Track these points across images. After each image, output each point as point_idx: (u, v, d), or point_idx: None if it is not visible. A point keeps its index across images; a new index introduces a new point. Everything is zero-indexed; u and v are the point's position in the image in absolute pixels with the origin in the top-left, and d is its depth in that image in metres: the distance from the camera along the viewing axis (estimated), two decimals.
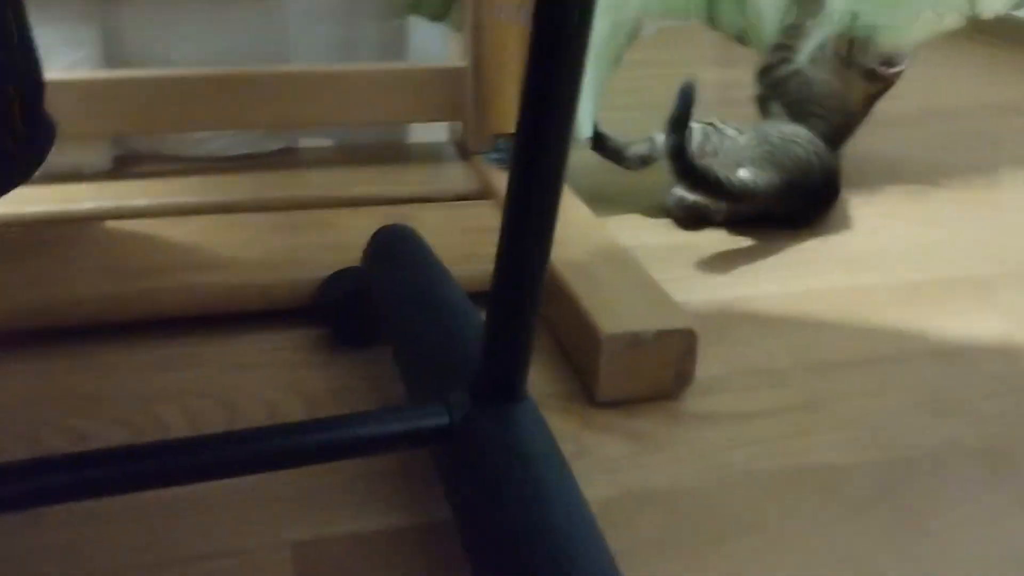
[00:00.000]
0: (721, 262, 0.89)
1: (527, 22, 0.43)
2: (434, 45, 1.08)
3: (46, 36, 0.95)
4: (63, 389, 0.67)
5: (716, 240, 0.93)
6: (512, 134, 0.90)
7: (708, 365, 0.70)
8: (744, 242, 0.93)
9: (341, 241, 0.80)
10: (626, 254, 0.77)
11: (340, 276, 0.73)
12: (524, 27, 0.91)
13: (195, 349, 0.72)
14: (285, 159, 1.07)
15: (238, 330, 0.74)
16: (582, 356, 0.68)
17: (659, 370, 0.66)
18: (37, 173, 0.95)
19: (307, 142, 1.11)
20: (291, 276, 0.76)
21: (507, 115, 0.95)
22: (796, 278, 0.86)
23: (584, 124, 1.01)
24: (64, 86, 0.94)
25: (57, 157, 0.98)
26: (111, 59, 0.99)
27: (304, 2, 1.03)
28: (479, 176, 0.98)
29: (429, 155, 1.09)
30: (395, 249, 0.71)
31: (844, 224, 0.99)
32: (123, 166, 1.02)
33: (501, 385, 0.50)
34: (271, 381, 0.68)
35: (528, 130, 0.45)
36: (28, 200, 0.88)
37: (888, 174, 1.13)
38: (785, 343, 0.75)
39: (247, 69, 0.99)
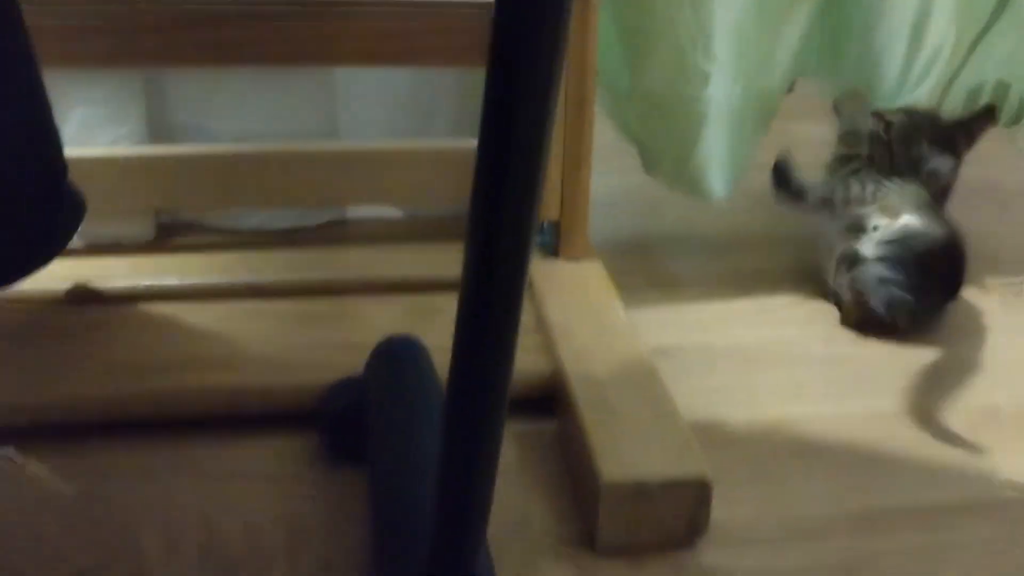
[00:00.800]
0: (768, 365, 0.81)
1: None
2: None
3: (90, 113, 0.98)
4: (44, 496, 0.65)
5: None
6: (555, 220, 0.85)
7: (735, 507, 0.63)
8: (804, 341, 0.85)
9: (358, 340, 0.75)
10: (651, 374, 0.70)
11: (341, 387, 0.69)
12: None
13: (189, 453, 0.69)
14: (331, 232, 1.04)
15: (237, 434, 0.71)
16: (584, 496, 0.62)
17: (667, 520, 0.59)
18: (78, 243, 0.96)
19: (357, 213, 1.08)
20: (295, 380, 0.72)
21: (550, 202, 0.89)
22: (856, 396, 0.77)
23: (719, 182, 0.98)
24: (107, 162, 0.94)
25: (99, 228, 1.01)
26: (156, 133, 0.98)
27: (352, 77, 1.00)
28: None
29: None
30: (393, 369, 0.66)
31: (925, 325, 0.88)
32: (165, 236, 1.01)
33: (452, 565, 0.44)
34: (258, 500, 0.64)
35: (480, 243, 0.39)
36: (58, 275, 0.88)
37: (986, 262, 1.02)
38: (833, 483, 0.66)
39: (291, 146, 0.97)
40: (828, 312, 0.90)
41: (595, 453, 0.60)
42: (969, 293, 0.95)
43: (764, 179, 1.25)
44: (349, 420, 0.67)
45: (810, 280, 0.96)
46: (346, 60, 0.95)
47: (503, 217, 0.40)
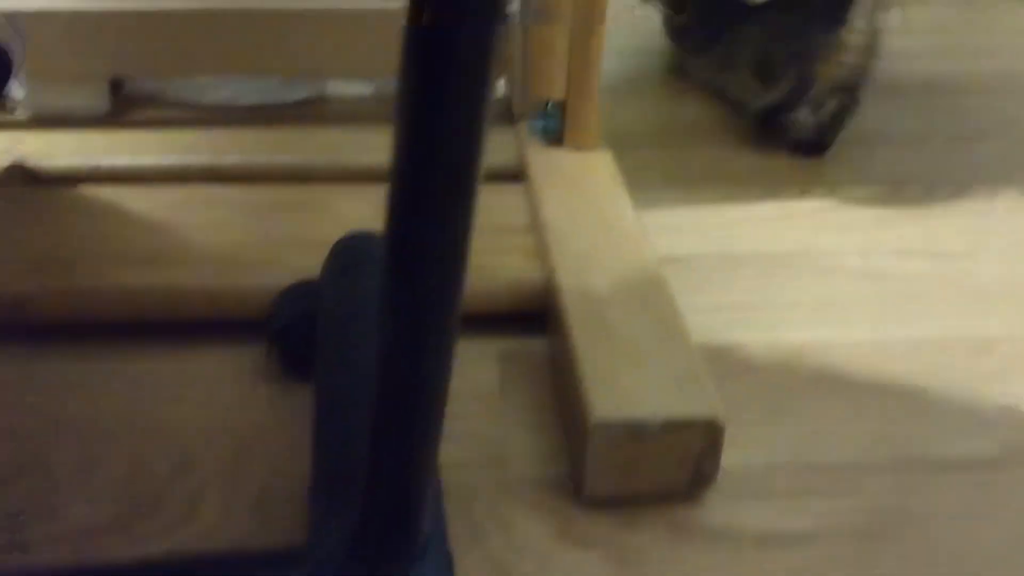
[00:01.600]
0: (794, 278, 0.70)
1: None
2: None
3: None
4: None
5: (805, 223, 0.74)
6: (561, 101, 0.73)
7: (747, 451, 0.53)
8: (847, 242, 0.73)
9: (324, 234, 0.65)
10: (659, 288, 0.59)
11: (294, 292, 0.59)
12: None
13: (120, 361, 0.60)
14: (306, 111, 0.92)
15: (176, 341, 0.61)
16: (571, 434, 0.53)
17: (669, 467, 0.49)
18: (26, 116, 0.85)
19: (337, 89, 0.96)
20: (245, 282, 0.62)
21: (556, 78, 0.77)
22: (896, 318, 0.67)
23: None
24: (51, 17, 0.82)
25: (47, 97, 0.90)
26: None
27: None
28: (517, 149, 0.81)
29: None
30: (350, 271, 0.56)
31: (974, 240, 0.77)
32: (122, 111, 0.90)
33: (384, 541, 0.35)
34: (194, 417, 0.56)
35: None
36: None
37: None
38: (861, 424, 0.57)
39: (262, 3, 0.85)
40: (868, 217, 0.79)
41: (586, 384, 0.50)
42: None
43: None
44: (301, 330, 0.58)
45: (852, 180, 0.84)
46: None
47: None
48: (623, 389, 0.50)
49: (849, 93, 0.84)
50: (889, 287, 0.70)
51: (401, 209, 0.34)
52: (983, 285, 0.71)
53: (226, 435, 0.54)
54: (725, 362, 0.61)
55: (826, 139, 0.86)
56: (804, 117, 0.85)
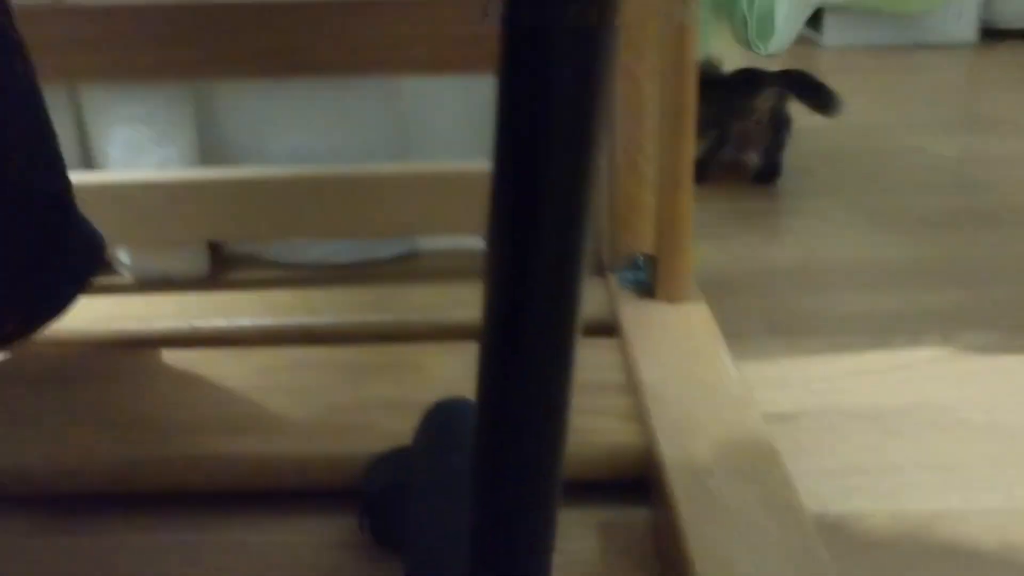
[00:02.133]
0: (915, 438, 0.65)
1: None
2: None
3: (135, 133, 0.90)
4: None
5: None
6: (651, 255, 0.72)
7: None
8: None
9: (417, 397, 0.63)
10: (769, 455, 0.56)
11: (386, 460, 0.58)
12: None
13: (210, 534, 0.59)
14: (400, 267, 0.94)
15: (267, 511, 0.60)
16: None
17: None
18: (127, 277, 0.87)
19: (430, 244, 0.97)
20: (336, 450, 0.61)
21: (644, 231, 0.76)
22: None
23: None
24: (153, 187, 0.85)
25: (147, 261, 0.93)
26: (207, 155, 0.89)
27: (423, 89, 0.89)
28: (609, 301, 0.79)
29: None
30: (443, 439, 0.54)
31: None
32: (220, 271, 0.92)
33: None
34: None
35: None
36: (98, 313, 0.79)
37: None
38: None
39: (354, 168, 0.87)
40: (987, 369, 0.74)
41: (693, 561, 0.46)
42: None
43: (908, 201, 1.10)
44: (392, 501, 0.55)
45: (967, 326, 0.80)
46: (415, 68, 0.84)
47: (527, 261, 0.28)
48: (734, 567, 0.46)
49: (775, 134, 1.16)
50: (1019, 446, 0.65)
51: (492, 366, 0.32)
52: None
53: None
54: (845, 536, 0.56)
55: (776, 167, 1.16)
56: (752, 158, 1.18)
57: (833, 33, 2.01)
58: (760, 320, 0.84)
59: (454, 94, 0.89)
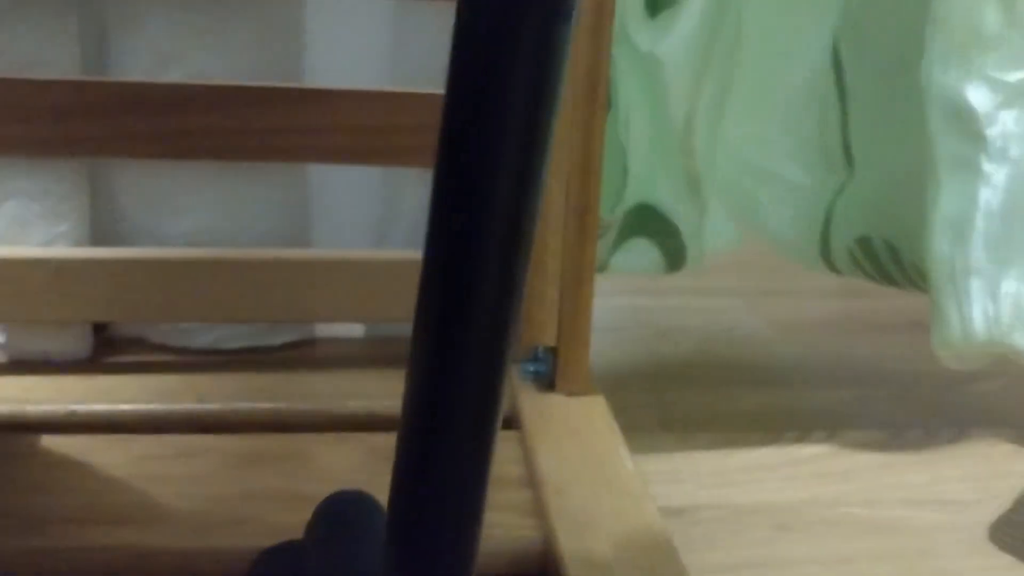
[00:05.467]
0: (803, 533, 0.66)
1: None
2: None
3: (24, 208, 0.86)
4: None
5: None
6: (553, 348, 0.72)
7: None
8: None
9: (308, 489, 0.61)
10: (667, 550, 0.56)
11: (275, 554, 0.55)
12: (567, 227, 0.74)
13: None
14: (294, 354, 0.91)
15: None
16: None
17: None
18: (5, 359, 0.82)
19: (325, 331, 0.95)
20: (219, 544, 0.58)
21: (547, 325, 0.77)
22: (920, 572, 0.63)
23: None
24: (38, 264, 0.81)
25: (26, 341, 0.89)
26: (100, 235, 0.86)
27: (329, 176, 0.89)
28: (509, 394, 0.79)
29: None
30: (336, 535, 0.52)
31: (981, 488, 0.74)
32: (103, 354, 0.88)
33: None
34: None
35: None
36: None
37: None
38: None
39: (250, 252, 0.85)
40: (874, 464, 0.77)
41: None
42: None
43: (788, 305, 1.14)
44: None
45: (851, 424, 0.83)
46: (321, 156, 0.84)
47: (457, 354, 0.28)
48: None
49: None
50: (898, 541, 0.67)
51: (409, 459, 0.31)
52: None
53: None
54: None
55: None
56: None
57: None
58: (653, 417, 0.85)
59: (358, 182, 0.89)
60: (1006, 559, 0.64)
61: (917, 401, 0.89)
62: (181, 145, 0.83)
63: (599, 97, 0.69)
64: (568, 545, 0.55)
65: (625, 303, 1.08)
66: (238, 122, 0.83)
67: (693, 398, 0.89)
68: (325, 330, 0.95)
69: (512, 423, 0.76)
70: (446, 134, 0.27)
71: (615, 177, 0.85)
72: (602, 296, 0.99)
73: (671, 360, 0.94)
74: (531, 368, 0.81)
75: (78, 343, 0.87)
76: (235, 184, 0.87)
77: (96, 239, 0.86)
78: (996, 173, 0.69)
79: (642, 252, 0.89)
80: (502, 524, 0.61)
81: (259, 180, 0.87)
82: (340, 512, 0.54)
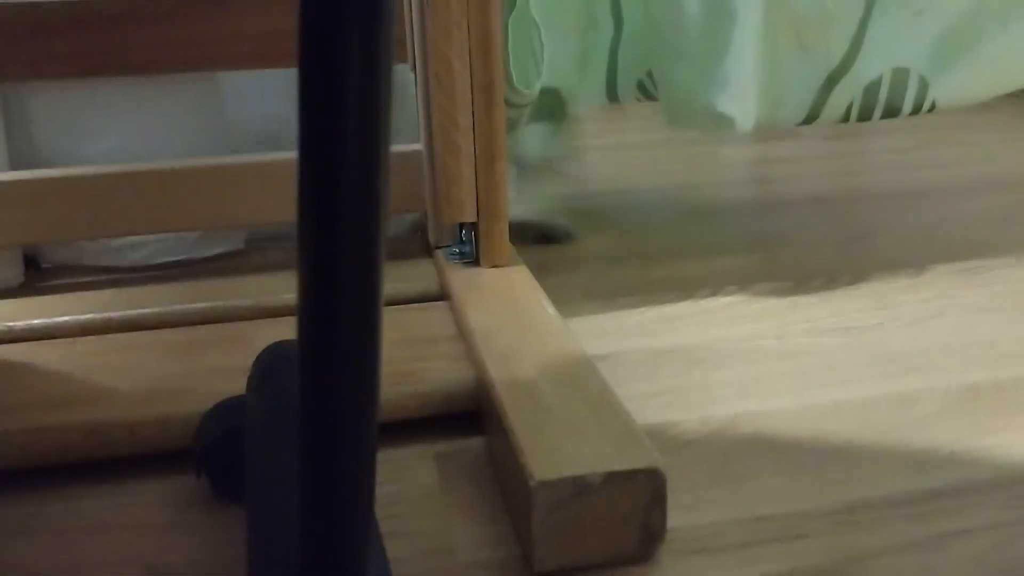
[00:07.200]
0: (717, 363, 0.72)
1: None
2: (397, 127, 0.95)
3: None
4: None
5: (713, 323, 0.76)
6: (473, 223, 0.76)
7: (696, 513, 0.53)
8: (747, 332, 0.76)
9: (247, 362, 0.65)
10: (588, 368, 0.60)
11: (219, 412, 0.58)
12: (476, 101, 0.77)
13: (43, 505, 0.57)
14: (225, 264, 0.94)
15: (101, 479, 0.59)
16: (517, 510, 0.51)
17: (616, 527, 0.48)
18: None
19: (257, 240, 0.97)
20: (165, 410, 0.61)
21: (465, 204, 0.80)
22: (818, 386, 0.68)
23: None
24: None
25: None
26: (17, 160, 0.87)
27: (241, 84, 0.91)
28: (437, 274, 0.83)
29: (389, 252, 0.95)
30: (277, 380, 0.55)
31: (880, 314, 0.81)
32: (35, 280, 0.89)
33: None
34: (125, 554, 0.53)
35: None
36: None
37: (935, 252, 0.95)
38: (804, 478, 0.57)
39: (170, 163, 0.87)
40: (782, 307, 0.82)
41: (525, 455, 0.50)
42: (924, 279, 0.88)
43: (703, 194, 1.20)
44: (228, 448, 0.56)
45: (761, 279, 0.88)
46: (234, 63, 0.86)
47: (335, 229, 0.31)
48: (563, 453, 0.50)
49: None
50: (807, 362, 0.72)
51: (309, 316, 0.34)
52: (894, 350, 0.74)
53: (158, 569, 0.51)
54: (662, 438, 0.61)
55: None
56: None
57: None
58: (577, 289, 0.89)
59: (275, 88, 0.91)
60: (903, 367, 0.71)
61: (821, 257, 0.95)
62: (91, 64, 0.84)
63: None
64: (496, 373, 0.59)
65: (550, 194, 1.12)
66: (147, 36, 0.85)
67: (614, 272, 0.93)
68: (254, 239, 0.97)
69: (443, 297, 0.80)
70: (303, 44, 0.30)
71: (529, 54, 0.89)
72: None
73: (593, 244, 0.99)
74: (456, 250, 0.85)
75: (8, 270, 0.88)
76: (150, 101, 0.88)
77: (14, 166, 0.87)
78: None
79: (541, 135, 0.95)
80: (436, 369, 0.65)
81: (174, 94, 0.89)
82: (276, 361, 0.57)
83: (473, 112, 0.77)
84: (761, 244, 1.01)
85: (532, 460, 0.49)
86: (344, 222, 0.34)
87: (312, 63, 0.31)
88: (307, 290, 0.33)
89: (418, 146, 0.89)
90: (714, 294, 0.86)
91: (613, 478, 0.47)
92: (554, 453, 0.49)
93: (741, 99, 0.87)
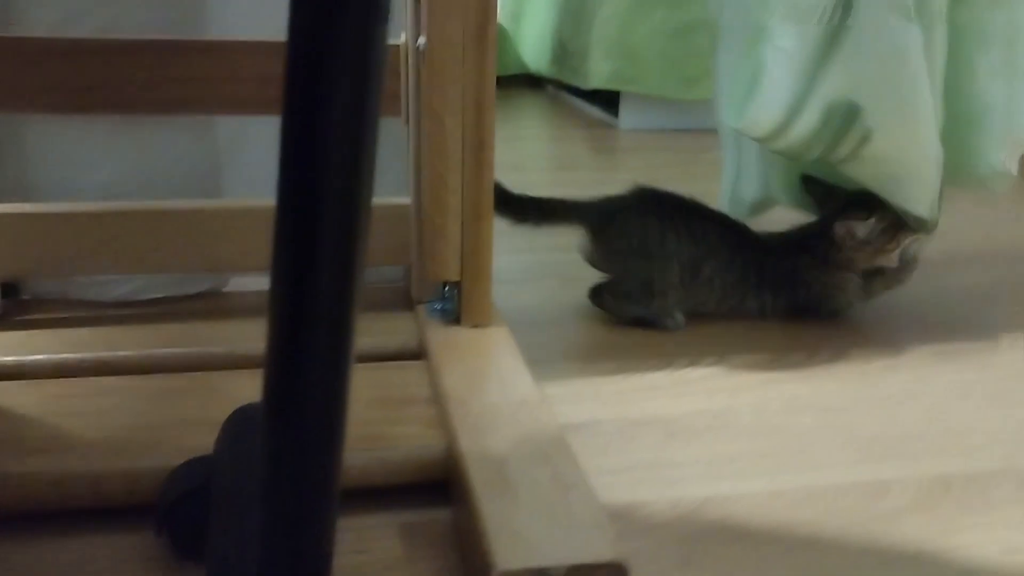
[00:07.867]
0: (691, 438, 0.71)
1: None
2: (389, 179, 0.95)
3: None
4: None
5: (687, 403, 0.76)
6: (456, 282, 0.76)
7: None
8: (725, 406, 0.76)
9: (217, 415, 0.64)
10: (560, 447, 0.60)
11: (186, 470, 0.57)
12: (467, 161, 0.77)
13: (6, 555, 0.56)
14: (206, 304, 0.93)
15: (62, 531, 0.58)
16: None
17: None
18: None
19: (237, 284, 0.97)
20: (132, 465, 0.60)
21: (450, 261, 0.80)
22: (791, 470, 0.68)
23: None
24: None
25: None
26: (12, 190, 0.87)
27: (236, 126, 0.91)
28: (418, 331, 0.83)
29: (371, 303, 0.94)
30: (244, 442, 0.55)
31: (858, 394, 0.81)
32: (18, 312, 0.89)
33: None
34: None
35: None
36: None
37: (914, 331, 0.96)
38: (769, 570, 0.57)
39: (162, 204, 0.87)
40: (760, 381, 0.82)
41: (489, 538, 0.49)
42: (903, 360, 0.88)
43: None
44: (192, 508, 0.55)
45: (740, 351, 0.88)
46: (229, 107, 0.86)
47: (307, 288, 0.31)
48: (526, 539, 0.49)
49: None
50: (782, 441, 0.72)
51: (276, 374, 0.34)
52: (869, 432, 0.74)
53: None
54: (631, 519, 0.61)
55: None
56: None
57: (629, 116, 2.17)
58: (557, 349, 0.89)
59: (268, 131, 0.91)
60: (877, 452, 0.70)
61: (800, 330, 0.95)
62: (88, 100, 0.84)
63: (488, 36, 0.73)
64: (467, 445, 0.59)
65: (534, 259, 1.12)
66: (144, 76, 0.85)
67: (593, 333, 0.93)
68: (237, 281, 0.97)
69: (420, 356, 0.79)
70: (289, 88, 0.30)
71: None
72: (517, 253, 1.04)
73: (573, 304, 0.99)
74: (437, 307, 0.84)
75: None
76: (146, 137, 0.88)
77: (7, 195, 0.87)
78: None
79: None
80: (407, 436, 0.65)
81: (169, 133, 0.89)
82: (244, 423, 0.57)
83: (462, 172, 0.77)
84: (742, 314, 1.01)
85: (497, 545, 0.48)
86: (317, 279, 0.34)
87: (295, 113, 0.31)
88: (274, 346, 0.33)
89: (406, 200, 0.89)
90: (693, 364, 0.86)
91: (576, 571, 0.47)
92: (518, 539, 0.49)
93: None
